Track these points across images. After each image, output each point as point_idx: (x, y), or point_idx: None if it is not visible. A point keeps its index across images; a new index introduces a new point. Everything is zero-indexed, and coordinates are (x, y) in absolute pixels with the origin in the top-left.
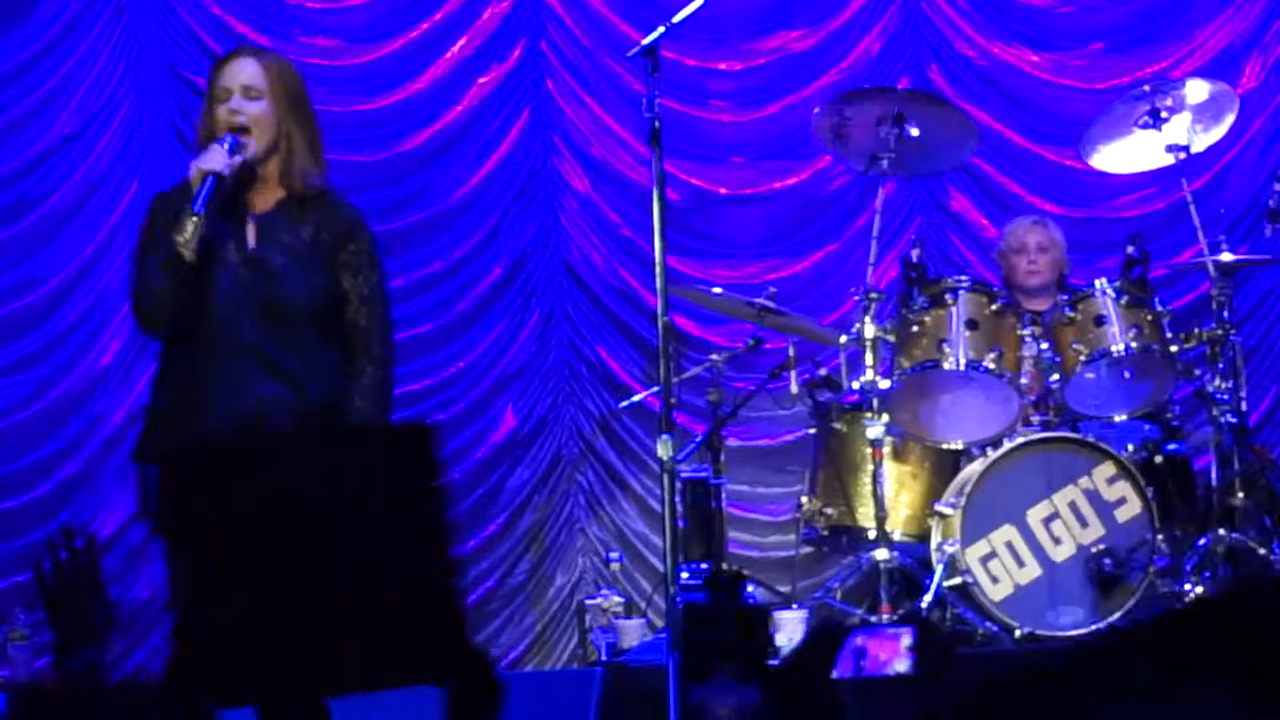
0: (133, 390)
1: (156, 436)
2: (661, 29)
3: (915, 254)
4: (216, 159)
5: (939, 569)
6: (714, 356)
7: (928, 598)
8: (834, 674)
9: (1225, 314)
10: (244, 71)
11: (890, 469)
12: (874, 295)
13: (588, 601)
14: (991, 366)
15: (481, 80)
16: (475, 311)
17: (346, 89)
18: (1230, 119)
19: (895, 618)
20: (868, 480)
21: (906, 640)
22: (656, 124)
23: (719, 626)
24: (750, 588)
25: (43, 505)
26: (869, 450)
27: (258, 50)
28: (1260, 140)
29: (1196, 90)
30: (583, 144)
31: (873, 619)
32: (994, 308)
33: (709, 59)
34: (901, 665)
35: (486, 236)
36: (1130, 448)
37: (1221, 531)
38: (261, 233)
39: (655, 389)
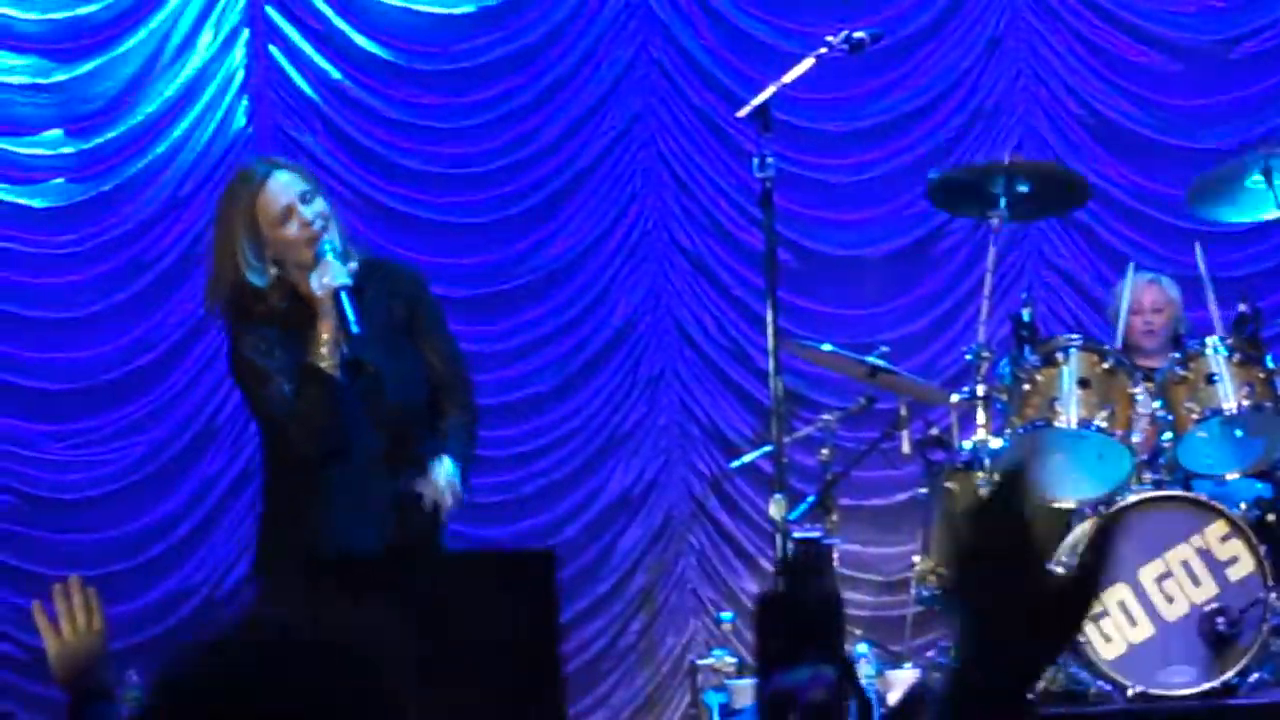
0: (244, 451)
1: (281, 556)
2: (772, 89)
3: (1026, 312)
4: (338, 272)
5: None
6: (825, 416)
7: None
8: None
9: None
10: (292, 184)
11: None
12: (985, 354)
13: (699, 662)
14: (1104, 425)
15: (593, 140)
16: (586, 371)
17: (460, 149)
18: None
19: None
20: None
21: None
22: (767, 184)
23: (796, 612)
24: (825, 570)
25: (156, 567)
26: (978, 504)
27: (277, 162)
28: None
29: None
30: (694, 204)
31: None
32: (1106, 366)
33: (820, 120)
34: None
35: (597, 297)
36: (1243, 506)
37: None
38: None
39: (767, 449)
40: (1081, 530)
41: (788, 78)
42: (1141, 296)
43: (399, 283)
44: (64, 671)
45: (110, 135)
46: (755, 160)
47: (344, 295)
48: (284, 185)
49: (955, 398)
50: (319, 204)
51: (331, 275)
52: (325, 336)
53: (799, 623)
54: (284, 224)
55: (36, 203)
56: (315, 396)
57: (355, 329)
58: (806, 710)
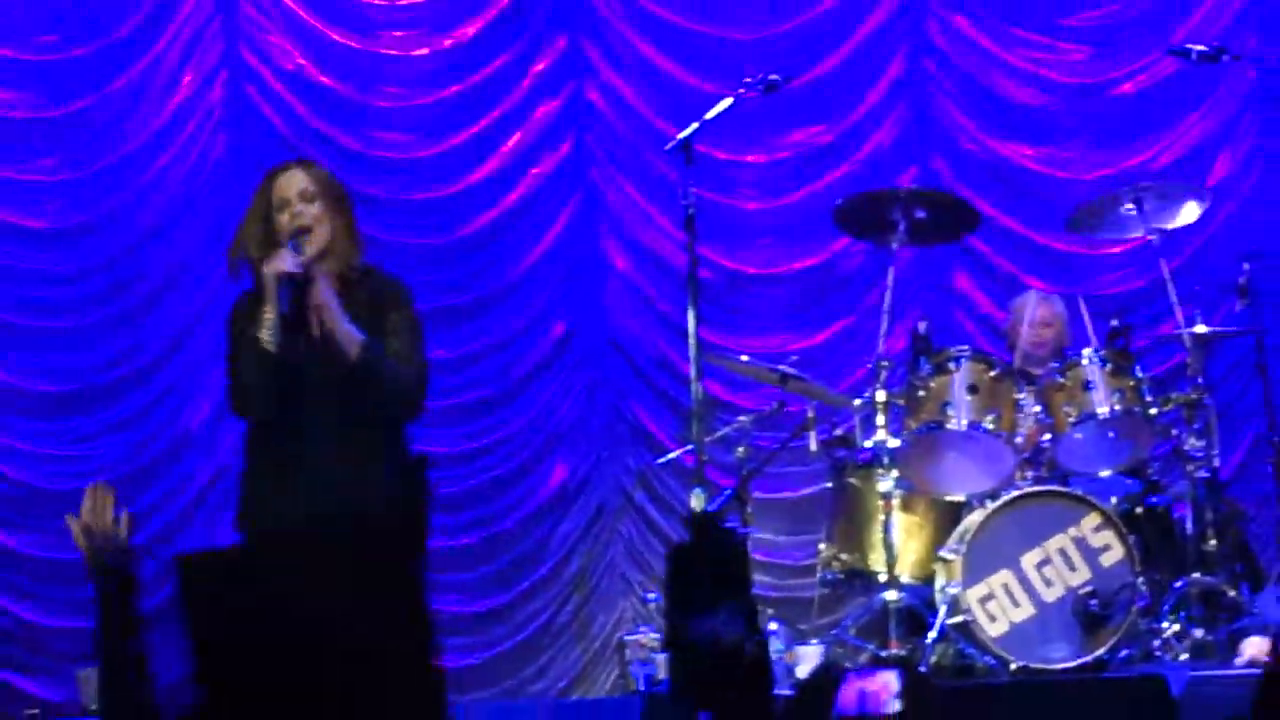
0: (215, 453)
1: (252, 513)
2: (695, 125)
3: (922, 326)
4: (286, 260)
5: (942, 609)
6: (742, 418)
7: (932, 634)
8: (835, 712)
9: (1199, 380)
10: (297, 180)
11: (899, 519)
12: (885, 363)
13: (628, 637)
14: (990, 427)
15: (535, 171)
16: (528, 378)
17: (416, 179)
18: (1203, 207)
19: (898, 656)
20: (879, 529)
21: (895, 683)
22: (690, 210)
23: (703, 562)
24: (731, 530)
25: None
26: (880, 502)
27: (303, 162)
28: (1230, 226)
29: (1174, 182)
30: (624, 228)
31: (883, 654)
32: (992, 374)
33: (738, 152)
34: (895, 705)
35: (539, 311)
36: (1114, 500)
37: (1196, 575)
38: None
39: (689, 447)
40: (969, 520)
41: (709, 115)
42: (1034, 313)
43: (383, 293)
44: (90, 553)
45: (100, 165)
46: (680, 189)
47: (282, 280)
48: (291, 180)
49: (858, 402)
50: (316, 207)
51: (277, 262)
52: (268, 317)
53: (709, 570)
54: (280, 211)
55: (36, 224)
56: (248, 364)
57: (282, 308)
58: (721, 651)
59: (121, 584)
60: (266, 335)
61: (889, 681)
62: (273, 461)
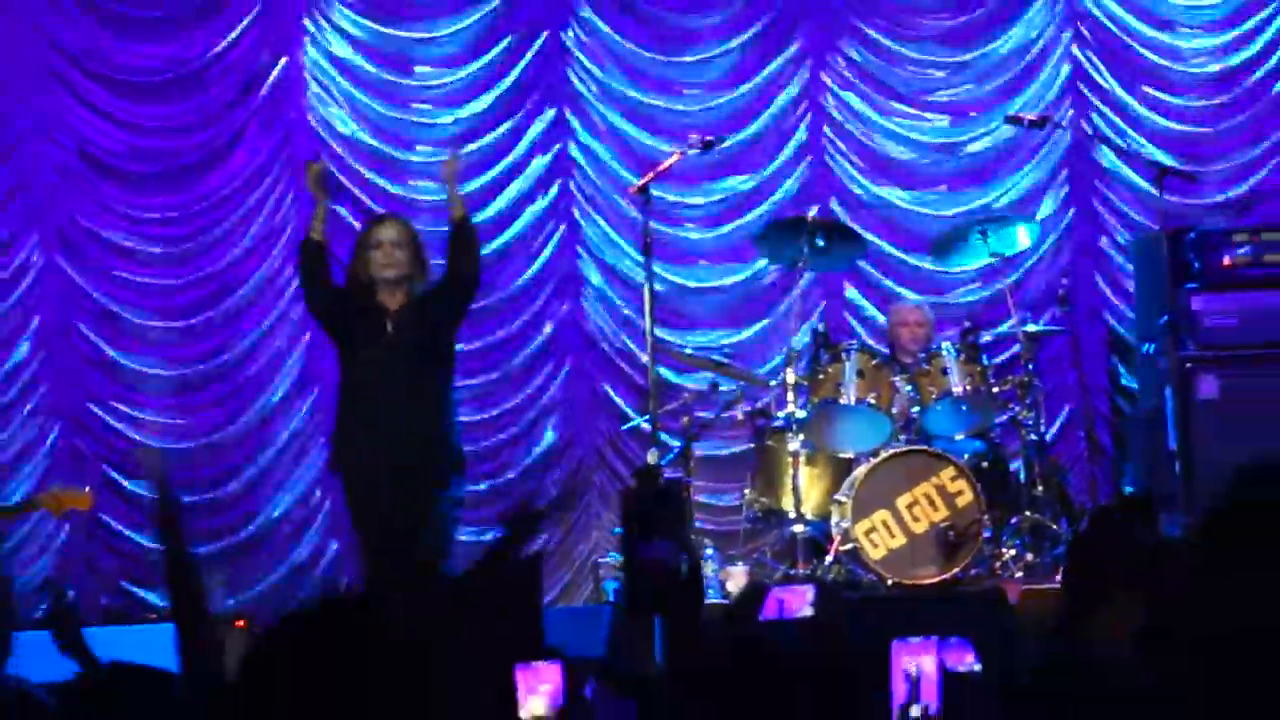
0: (290, 423)
1: (340, 455)
2: (651, 175)
3: (821, 326)
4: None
5: (837, 538)
6: (686, 396)
7: (829, 558)
8: (761, 616)
9: (1030, 367)
10: (390, 231)
11: (804, 471)
12: (794, 354)
13: (600, 561)
14: (872, 402)
15: (530, 208)
16: (525, 366)
17: (442, 216)
18: (1032, 237)
19: (804, 574)
20: (789, 479)
21: (810, 594)
22: (648, 239)
23: (647, 502)
24: (669, 479)
25: (222, 503)
26: (790, 459)
27: (395, 217)
28: (1052, 251)
29: (1011, 217)
30: (597, 253)
31: (792, 572)
32: (874, 362)
33: (684, 195)
34: (807, 611)
35: (534, 315)
36: (965, 457)
37: (1027, 514)
38: (396, 326)
39: (646, 418)
40: (857, 473)
41: (661, 167)
42: (909, 316)
43: (432, 286)
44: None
45: (202, 204)
46: (641, 223)
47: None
48: (384, 230)
49: (773, 383)
50: (401, 254)
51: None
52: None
53: (651, 508)
54: (373, 249)
55: (154, 249)
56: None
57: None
58: (661, 571)
59: (175, 504)
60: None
61: (806, 593)
62: (360, 416)
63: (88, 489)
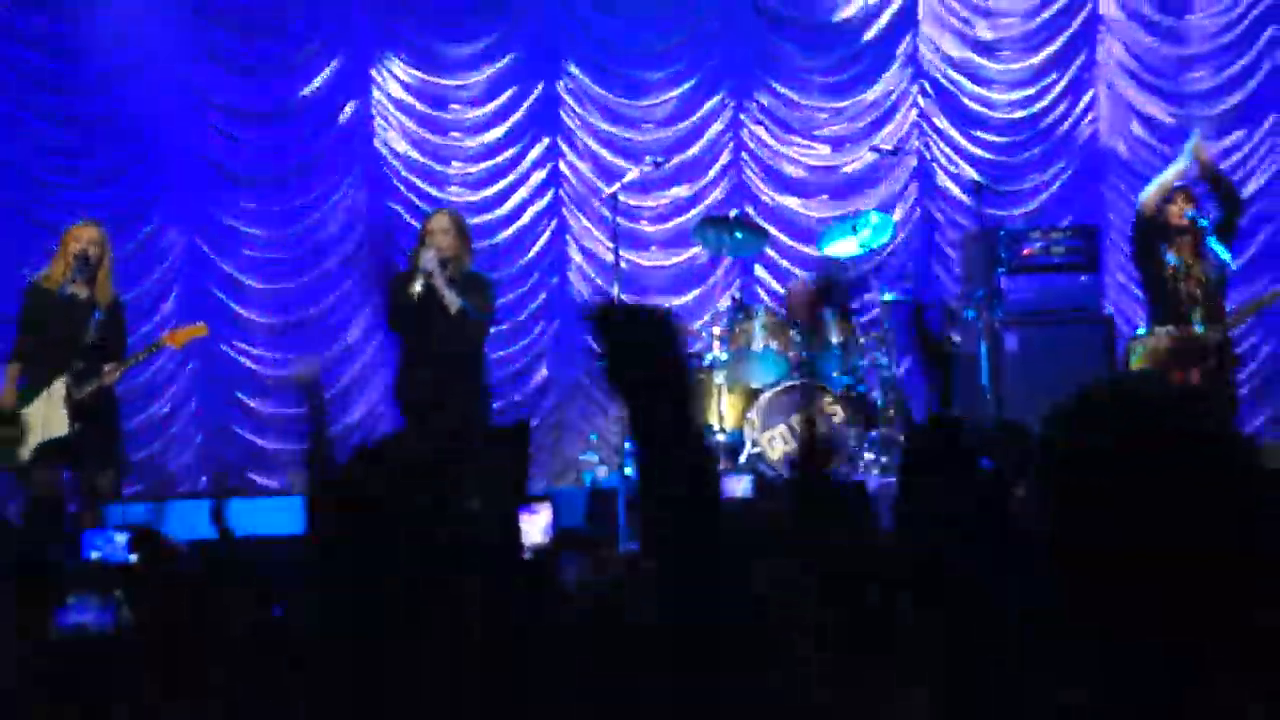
0: (362, 358)
1: (403, 392)
2: (618, 185)
3: (738, 295)
4: (431, 259)
5: (748, 444)
6: None
7: (743, 457)
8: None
9: (886, 325)
10: (440, 221)
11: (726, 398)
12: (719, 314)
13: (581, 458)
14: (774, 349)
15: (531, 209)
16: (525, 323)
17: (469, 212)
18: (889, 231)
19: (728, 469)
20: (715, 403)
21: (747, 481)
22: (615, 231)
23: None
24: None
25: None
26: (715, 389)
27: (447, 210)
28: (904, 242)
29: (875, 219)
30: (580, 241)
31: (718, 469)
32: (776, 320)
33: (640, 200)
34: (747, 492)
35: (531, 287)
36: (840, 388)
37: (882, 429)
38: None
39: None
40: (763, 399)
41: (625, 179)
42: (804, 288)
43: (478, 279)
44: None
45: (292, 206)
46: (611, 222)
47: (433, 272)
48: (437, 221)
49: (704, 335)
50: (448, 239)
51: (426, 262)
52: (415, 287)
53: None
54: (431, 235)
55: (262, 232)
56: (400, 308)
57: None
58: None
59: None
60: (414, 289)
61: (743, 480)
62: (414, 364)
63: (202, 322)
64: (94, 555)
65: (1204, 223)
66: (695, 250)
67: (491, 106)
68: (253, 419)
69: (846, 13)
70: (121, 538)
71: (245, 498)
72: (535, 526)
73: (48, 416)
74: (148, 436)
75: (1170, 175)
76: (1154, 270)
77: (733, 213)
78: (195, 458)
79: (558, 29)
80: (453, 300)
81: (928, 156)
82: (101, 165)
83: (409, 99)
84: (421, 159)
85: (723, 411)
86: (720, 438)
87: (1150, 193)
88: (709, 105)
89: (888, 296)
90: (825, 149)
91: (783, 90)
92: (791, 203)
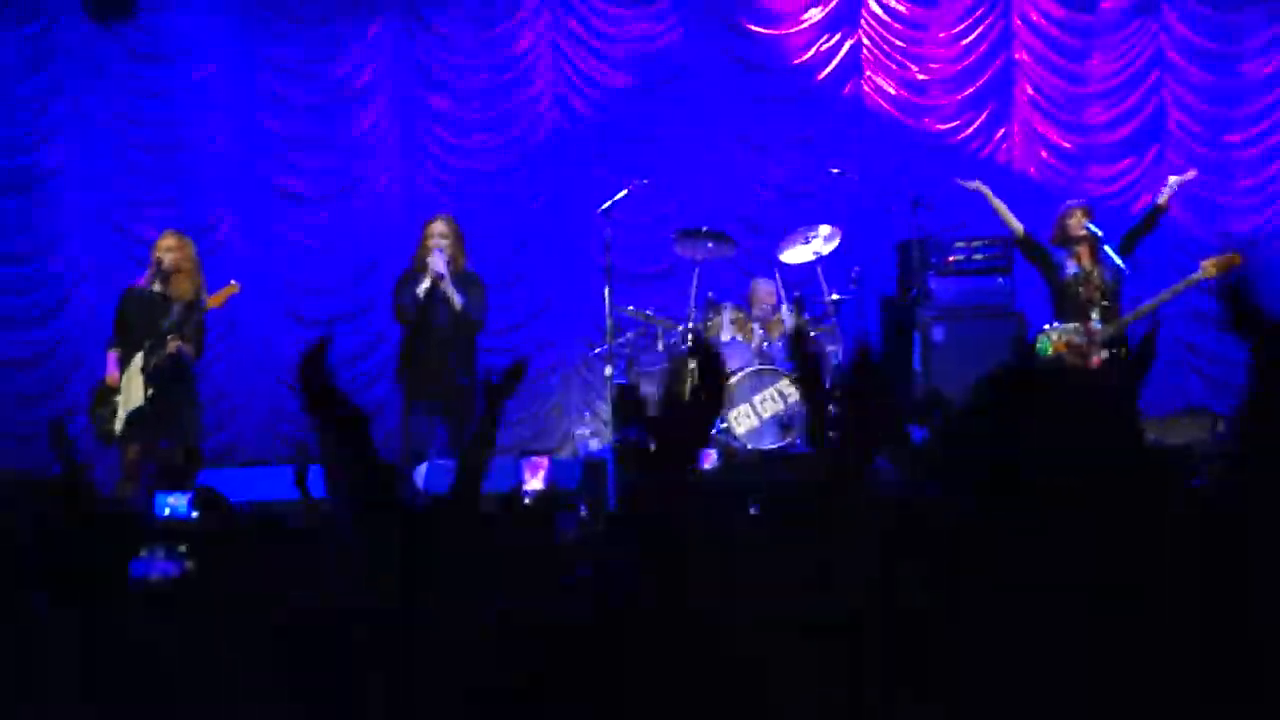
0: (372, 327)
1: (406, 384)
2: (609, 202)
3: (711, 295)
4: (438, 260)
5: (717, 421)
6: (629, 335)
7: (713, 433)
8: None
9: (835, 319)
10: (440, 226)
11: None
12: (693, 310)
13: (576, 431)
14: (740, 338)
15: (533, 206)
16: (533, 316)
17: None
18: (837, 241)
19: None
20: (688, 384)
21: (714, 454)
22: (608, 241)
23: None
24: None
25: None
26: (688, 372)
27: (445, 217)
28: (850, 249)
29: (826, 230)
30: (578, 247)
31: None
32: (741, 315)
33: (630, 216)
34: (714, 463)
35: (538, 289)
36: (794, 373)
37: (831, 408)
38: (444, 291)
39: (606, 346)
40: (730, 382)
41: (616, 198)
42: (763, 289)
43: (473, 278)
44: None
45: (339, 216)
46: (606, 231)
47: (444, 275)
48: (437, 226)
49: (681, 328)
50: (449, 242)
51: (431, 261)
52: (424, 283)
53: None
54: (431, 239)
55: (313, 242)
56: (408, 306)
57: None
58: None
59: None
60: (420, 290)
61: (710, 454)
62: (416, 352)
63: (233, 280)
64: (165, 513)
65: (1098, 233)
66: (674, 256)
67: (506, 135)
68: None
69: (804, 58)
70: (182, 499)
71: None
72: (537, 477)
73: (130, 389)
74: (215, 411)
75: (1000, 207)
76: (1053, 278)
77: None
78: (256, 431)
79: (564, 79)
80: (456, 299)
81: (871, 177)
82: (177, 187)
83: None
84: (451, 161)
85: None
86: None
87: (1009, 220)
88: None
89: (836, 296)
90: (787, 170)
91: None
92: (751, 215)
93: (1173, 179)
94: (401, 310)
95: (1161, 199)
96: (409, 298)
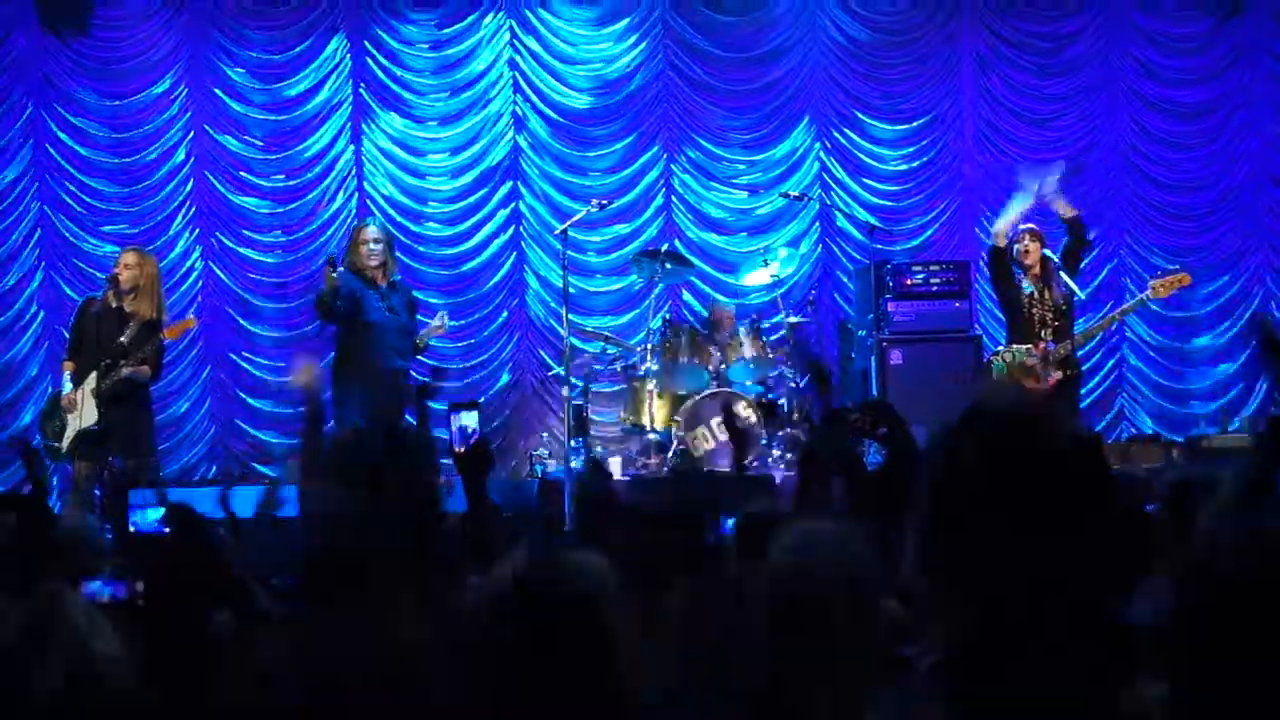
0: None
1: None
2: (568, 224)
3: (668, 315)
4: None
5: (675, 442)
6: (586, 355)
7: (670, 454)
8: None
9: (791, 342)
10: (372, 232)
11: (656, 402)
12: (651, 332)
13: (533, 452)
14: (698, 362)
15: (494, 241)
16: (492, 336)
17: (441, 245)
18: (795, 263)
19: (656, 464)
20: (647, 406)
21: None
22: (564, 261)
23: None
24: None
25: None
26: (647, 394)
27: (376, 222)
28: (809, 273)
29: (784, 254)
30: (536, 269)
31: (649, 463)
32: (699, 338)
33: (586, 235)
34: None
35: (497, 308)
36: (753, 395)
37: (788, 430)
38: (384, 295)
39: (563, 368)
40: (688, 404)
41: (574, 219)
42: (721, 312)
43: (404, 291)
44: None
45: (290, 239)
46: (561, 252)
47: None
48: (369, 232)
49: (639, 349)
50: (381, 247)
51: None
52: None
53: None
54: (363, 244)
55: (271, 258)
56: (323, 304)
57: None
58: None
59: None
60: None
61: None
62: (353, 358)
63: (190, 315)
64: (132, 529)
65: (1053, 257)
66: (632, 278)
67: (463, 156)
68: (256, 417)
69: (762, 81)
70: (155, 513)
71: (248, 485)
72: (470, 421)
73: (84, 409)
74: (169, 431)
75: (1015, 211)
76: (1010, 295)
77: (664, 247)
78: (206, 450)
79: (522, 97)
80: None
81: (828, 202)
82: (130, 204)
83: (393, 148)
84: (402, 199)
85: (653, 413)
86: (652, 437)
87: (1000, 227)
88: (645, 157)
89: (793, 319)
90: (743, 194)
91: (707, 145)
92: (713, 239)
93: (1049, 180)
94: (318, 307)
95: (1063, 212)
96: (320, 295)
